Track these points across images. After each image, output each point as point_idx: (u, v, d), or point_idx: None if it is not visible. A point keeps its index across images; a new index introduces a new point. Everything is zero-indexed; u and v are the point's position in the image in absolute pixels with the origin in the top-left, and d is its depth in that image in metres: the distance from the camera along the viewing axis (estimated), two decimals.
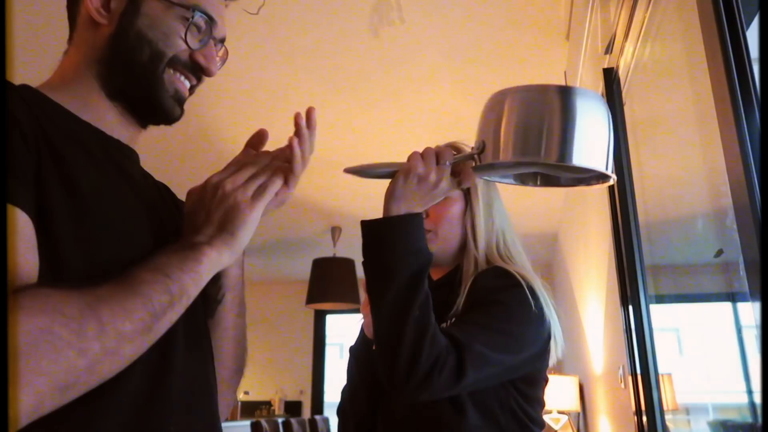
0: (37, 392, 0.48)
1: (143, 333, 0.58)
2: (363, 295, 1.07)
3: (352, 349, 1.24)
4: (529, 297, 1.02)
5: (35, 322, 0.49)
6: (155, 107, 0.78)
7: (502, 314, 1.01)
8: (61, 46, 0.79)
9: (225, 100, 3.13)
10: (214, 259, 0.66)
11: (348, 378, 1.24)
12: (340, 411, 1.25)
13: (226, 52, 0.86)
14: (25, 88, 0.71)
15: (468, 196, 1.15)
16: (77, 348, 0.51)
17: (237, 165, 0.74)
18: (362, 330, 1.23)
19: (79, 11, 0.76)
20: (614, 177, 0.86)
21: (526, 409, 1.06)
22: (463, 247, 1.14)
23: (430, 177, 0.95)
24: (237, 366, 0.88)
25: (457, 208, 1.14)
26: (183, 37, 0.76)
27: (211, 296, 0.84)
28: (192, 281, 0.64)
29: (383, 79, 2.91)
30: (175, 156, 3.79)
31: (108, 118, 0.76)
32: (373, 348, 1.03)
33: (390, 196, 0.97)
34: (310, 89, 2.99)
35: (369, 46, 2.63)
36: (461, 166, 0.98)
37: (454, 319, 1.05)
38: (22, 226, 0.57)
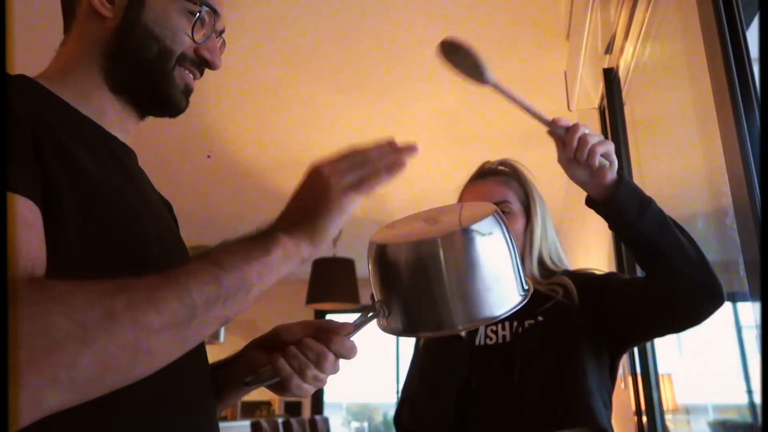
0: (33, 387, 0.44)
1: (176, 326, 0.52)
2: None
3: (431, 357, 1.17)
4: None
5: (30, 312, 0.45)
6: (164, 102, 0.77)
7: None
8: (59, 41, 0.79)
9: (224, 100, 3.13)
10: (289, 250, 0.60)
11: (433, 384, 1.16)
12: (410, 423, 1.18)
13: (224, 44, 0.85)
14: (22, 78, 0.70)
15: (528, 213, 1.26)
16: (80, 339, 0.46)
17: (346, 152, 0.66)
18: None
19: (79, 2, 0.76)
20: (530, 290, 0.73)
21: None
22: (521, 256, 1.24)
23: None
24: None
25: (520, 223, 1.24)
26: (190, 34, 0.76)
27: (237, 379, 0.77)
28: (258, 272, 0.58)
29: (383, 79, 2.91)
30: (175, 156, 3.79)
31: (108, 113, 0.75)
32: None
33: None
34: (309, 89, 2.99)
35: (369, 45, 2.63)
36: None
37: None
38: (26, 213, 0.54)
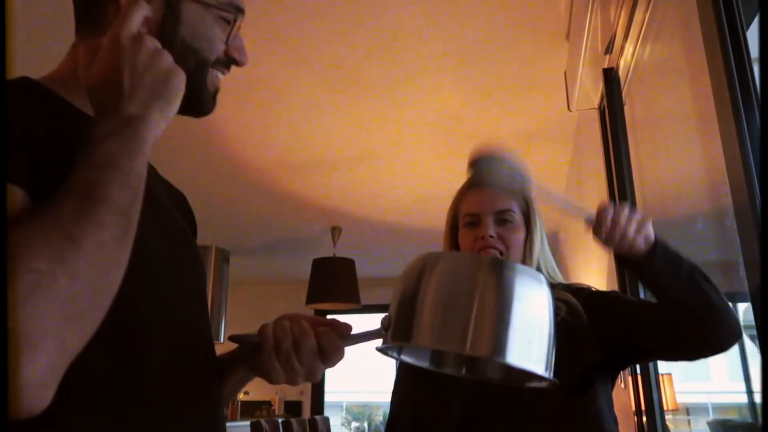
0: (45, 330, 0.46)
1: (121, 238, 0.55)
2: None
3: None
4: None
5: (16, 269, 0.47)
6: (195, 106, 0.78)
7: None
8: (61, 44, 0.78)
9: (224, 98, 3.12)
10: (153, 130, 0.61)
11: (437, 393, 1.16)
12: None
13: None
14: (24, 81, 0.68)
15: (528, 224, 1.26)
16: (68, 274, 0.49)
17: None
18: None
19: (106, 13, 0.72)
20: (555, 381, 0.70)
21: None
22: None
23: None
24: None
25: (522, 234, 1.25)
26: (225, 41, 0.77)
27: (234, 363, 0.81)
28: (141, 162, 0.59)
29: (383, 79, 2.91)
30: (175, 156, 3.78)
31: None
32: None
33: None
34: (309, 87, 2.99)
35: (369, 45, 2.63)
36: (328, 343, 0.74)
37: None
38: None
